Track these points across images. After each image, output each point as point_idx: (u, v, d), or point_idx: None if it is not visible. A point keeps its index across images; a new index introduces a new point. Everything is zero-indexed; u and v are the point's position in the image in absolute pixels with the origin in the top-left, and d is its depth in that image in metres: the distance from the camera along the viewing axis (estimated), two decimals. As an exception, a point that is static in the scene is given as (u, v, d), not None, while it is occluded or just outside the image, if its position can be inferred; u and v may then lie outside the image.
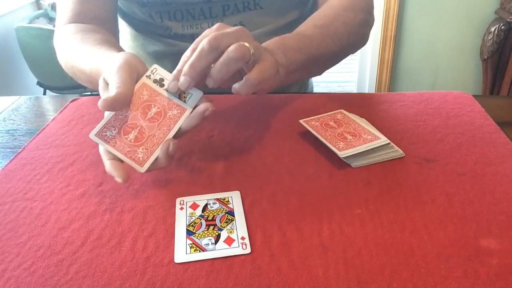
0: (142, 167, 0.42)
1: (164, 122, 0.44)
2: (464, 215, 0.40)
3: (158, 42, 0.76)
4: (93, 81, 0.56)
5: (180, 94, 0.45)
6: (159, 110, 0.45)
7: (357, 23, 0.66)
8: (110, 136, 0.43)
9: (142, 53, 0.79)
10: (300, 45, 0.56)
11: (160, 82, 0.46)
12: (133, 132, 0.43)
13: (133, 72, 0.45)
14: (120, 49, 0.60)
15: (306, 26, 0.61)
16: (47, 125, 0.60)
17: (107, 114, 0.44)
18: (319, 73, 0.67)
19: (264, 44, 0.52)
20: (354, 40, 0.67)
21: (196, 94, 0.45)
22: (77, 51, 0.62)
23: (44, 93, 2.07)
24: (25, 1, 2.21)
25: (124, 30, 0.83)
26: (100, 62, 0.55)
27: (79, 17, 0.70)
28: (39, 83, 2.05)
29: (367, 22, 0.70)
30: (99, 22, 0.71)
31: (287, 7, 0.75)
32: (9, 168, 0.50)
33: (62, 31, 0.68)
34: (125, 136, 0.43)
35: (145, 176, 0.48)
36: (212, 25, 0.71)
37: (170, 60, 0.77)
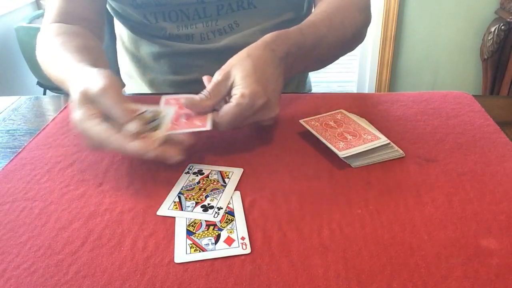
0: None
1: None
2: (464, 215, 0.40)
3: (153, 43, 0.76)
4: (65, 88, 0.57)
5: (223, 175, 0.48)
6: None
7: (354, 20, 0.67)
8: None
9: (138, 54, 0.79)
10: (300, 31, 0.57)
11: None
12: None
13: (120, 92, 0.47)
14: (97, 57, 0.61)
15: (306, 20, 0.62)
16: (47, 125, 0.60)
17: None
18: (320, 66, 0.68)
19: (261, 39, 0.54)
20: (353, 34, 0.68)
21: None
22: (54, 55, 0.62)
23: (44, 93, 2.07)
24: (25, 1, 2.20)
25: (120, 32, 0.83)
26: (74, 75, 0.53)
27: (65, 17, 0.70)
28: (39, 83, 2.05)
29: (364, 20, 0.70)
30: (85, 23, 0.70)
31: (282, 7, 0.75)
32: (9, 168, 0.50)
33: (45, 30, 0.68)
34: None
35: (145, 176, 0.48)
36: (207, 25, 0.72)
37: (166, 60, 0.77)
